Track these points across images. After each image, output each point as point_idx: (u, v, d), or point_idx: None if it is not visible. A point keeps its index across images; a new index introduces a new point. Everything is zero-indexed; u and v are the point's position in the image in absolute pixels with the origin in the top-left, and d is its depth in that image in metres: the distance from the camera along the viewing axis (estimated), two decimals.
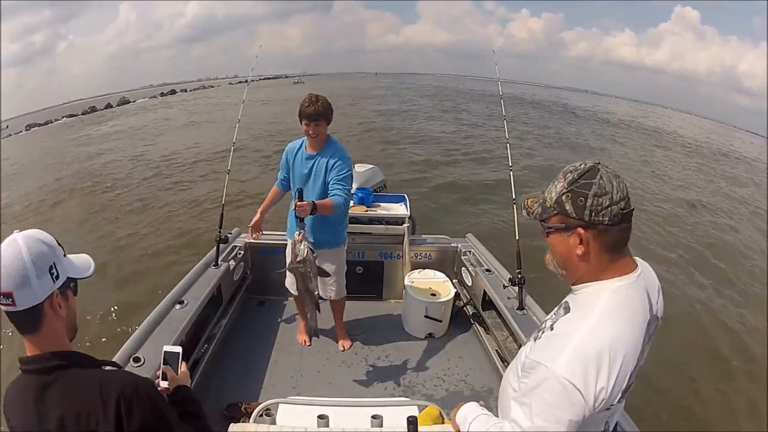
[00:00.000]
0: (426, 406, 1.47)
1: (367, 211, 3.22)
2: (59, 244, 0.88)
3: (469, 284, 3.11)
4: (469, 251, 3.27)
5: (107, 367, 0.91)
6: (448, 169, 11.77)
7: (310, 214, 2.05)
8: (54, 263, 0.85)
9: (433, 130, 18.21)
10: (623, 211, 0.82)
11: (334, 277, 2.54)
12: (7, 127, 38.33)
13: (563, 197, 0.84)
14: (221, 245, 2.85)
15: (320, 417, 1.32)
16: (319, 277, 2.07)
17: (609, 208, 0.81)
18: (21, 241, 0.82)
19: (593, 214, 0.81)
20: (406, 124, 19.89)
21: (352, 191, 3.36)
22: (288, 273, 2.40)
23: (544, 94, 66.78)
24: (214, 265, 2.76)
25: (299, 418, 1.40)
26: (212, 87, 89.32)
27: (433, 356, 2.77)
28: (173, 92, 75.06)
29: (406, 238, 3.17)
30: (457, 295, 3.09)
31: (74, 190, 10.07)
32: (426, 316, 2.90)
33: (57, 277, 0.85)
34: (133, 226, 7.15)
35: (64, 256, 0.89)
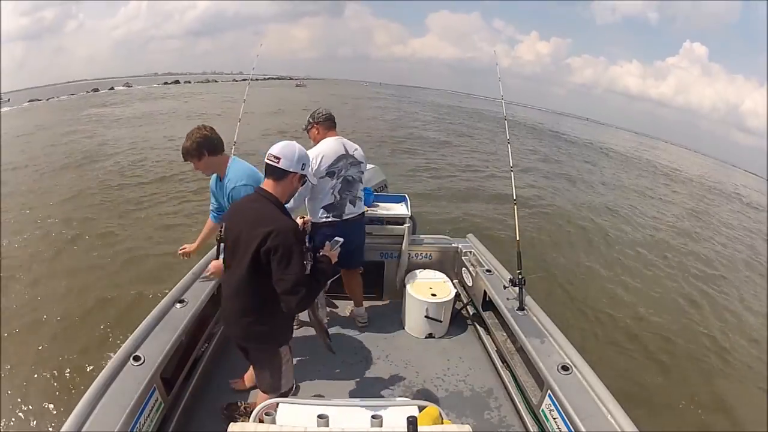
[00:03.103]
0: (426, 406, 1.47)
1: (367, 210, 3.21)
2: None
3: (470, 284, 3.11)
4: (470, 251, 3.26)
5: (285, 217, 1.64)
6: (448, 169, 11.78)
7: None
8: (305, 163, 1.66)
9: (434, 137, 18.25)
10: (323, 118, 2.60)
11: None
12: (9, 100, 38.84)
13: (311, 117, 2.64)
14: (221, 244, 2.84)
15: (320, 417, 1.32)
16: None
17: (319, 116, 2.61)
18: (297, 145, 1.64)
19: (315, 119, 2.61)
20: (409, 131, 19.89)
21: None
22: None
23: (546, 119, 66.08)
24: None
25: (299, 417, 1.39)
26: (216, 81, 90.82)
27: (433, 356, 2.77)
28: (177, 82, 78.10)
29: (405, 239, 3.16)
30: (457, 296, 3.09)
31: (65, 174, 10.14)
32: (426, 317, 2.90)
33: (303, 169, 1.65)
34: (133, 226, 7.11)
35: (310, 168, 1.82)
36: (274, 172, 1.61)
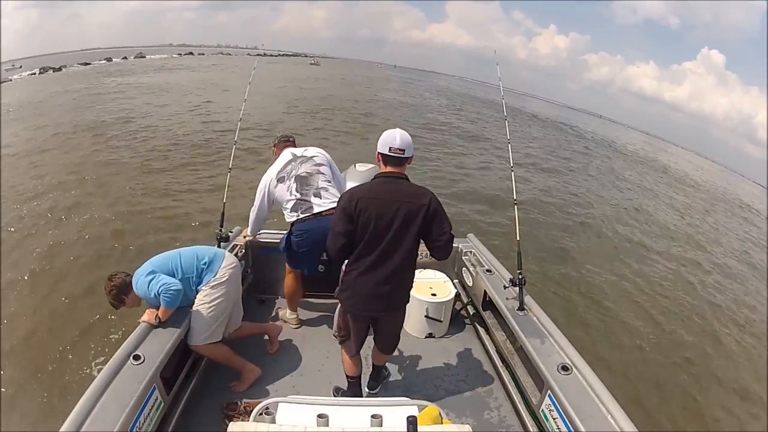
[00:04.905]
0: (426, 406, 1.47)
1: None
2: None
3: (470, 284, 3.10)
4: (470, 251, 3.26)
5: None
6: (449, 168, 11.78)
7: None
8: (412, 147, 1.98)
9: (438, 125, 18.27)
10: (278, 140, 2.98)
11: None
12: (21, 66, 38.77)
13: (273, 140, 3.05)
14: (222, 243, 2.85)
15: (320, 416, 1.32)
16: None
17: (275, 140, 3.00)
18: (406, 134, 1.96)
19: (273, 142, 3.02)
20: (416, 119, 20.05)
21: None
22: None
23: (558, 113, 65.62)
24: None
25: (299, 417, 1.39)
26: (230, 55, 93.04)
27: (433, 356, 2.77)
28: (191, 54, 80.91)
29: None
30: (457, 296, 3.09)
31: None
32: (426, 317, 2.90)
33: (413, 150, 1.98)
34: (133, 223, 7.05)
35: None
36: (402, 161, 1.96)
